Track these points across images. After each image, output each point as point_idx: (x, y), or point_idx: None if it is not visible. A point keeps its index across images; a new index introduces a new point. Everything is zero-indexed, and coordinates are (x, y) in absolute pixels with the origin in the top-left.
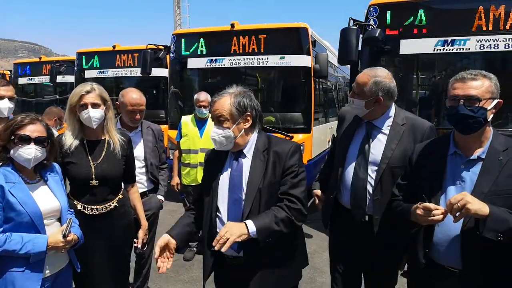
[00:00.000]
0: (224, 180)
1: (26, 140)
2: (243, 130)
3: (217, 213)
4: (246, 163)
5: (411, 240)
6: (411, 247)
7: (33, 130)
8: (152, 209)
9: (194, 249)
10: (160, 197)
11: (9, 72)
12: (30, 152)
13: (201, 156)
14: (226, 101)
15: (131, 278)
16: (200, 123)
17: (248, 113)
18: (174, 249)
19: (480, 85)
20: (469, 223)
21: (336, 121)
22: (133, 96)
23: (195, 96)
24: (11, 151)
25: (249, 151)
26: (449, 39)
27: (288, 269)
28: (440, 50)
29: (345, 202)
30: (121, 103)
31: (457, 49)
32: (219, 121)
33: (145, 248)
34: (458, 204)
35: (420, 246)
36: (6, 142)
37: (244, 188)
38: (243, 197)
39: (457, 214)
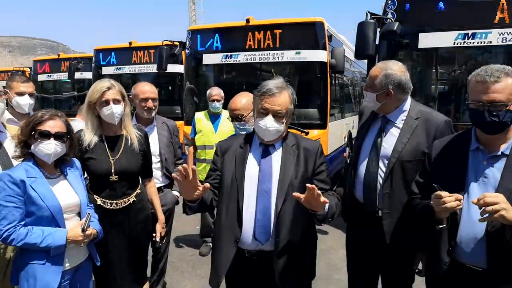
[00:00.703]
0: (251, 171)
1: (46, 135)
2: (286, 127)
3: (243, 205)
4: (276, 156)
5: (429, 238)
6: (430, 245)
7: (53, 125)
8: (168, 205)
9: (210, 244)
10: (176, 193)
11: (28, 69)
12: (49, 147)
13: None
14: (287, 98)
15: (148, 272)
16: (214, 117)
17: (293, 112)
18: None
19: (504, 87)
20: (494, 222)
21: (352, 117)
22: (145, 86)
23: (208, 91)
24: (32, 146)
25: (279, 144)
26: (470, 32)
27: (304, 268)
28: (461, 43)
29: (359, 196)
30: (133, 95)
31: (478, 43)
32: (277, 116)
33: (163, 242)
34: (492, 208)
35: (444, 244)
36: (27, 138)
37: (273, 180)
38: (273, 189)
39: (486, 215)
